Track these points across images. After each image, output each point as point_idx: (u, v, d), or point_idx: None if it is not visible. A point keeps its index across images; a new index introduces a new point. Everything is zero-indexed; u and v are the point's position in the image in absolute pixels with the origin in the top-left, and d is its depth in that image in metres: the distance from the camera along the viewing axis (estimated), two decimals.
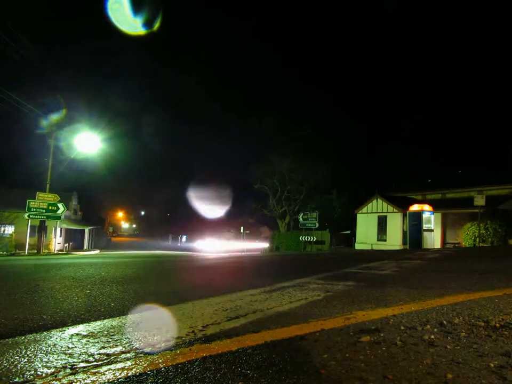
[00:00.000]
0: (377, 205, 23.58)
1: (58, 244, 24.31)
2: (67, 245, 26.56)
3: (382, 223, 23.17)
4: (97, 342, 2.04)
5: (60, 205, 19.84)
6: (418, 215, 19.90)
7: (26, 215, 18.83)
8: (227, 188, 40.47)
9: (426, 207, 20.32)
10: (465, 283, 4.28)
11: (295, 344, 1.94)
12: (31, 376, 1.55)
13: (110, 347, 1.95)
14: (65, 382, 1.50)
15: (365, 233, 24.27)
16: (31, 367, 1.66)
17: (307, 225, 26.07)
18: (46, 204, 19.32)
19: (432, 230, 20.22)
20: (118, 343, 2.01)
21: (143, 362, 1.69)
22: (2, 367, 1.66)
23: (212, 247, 38.24)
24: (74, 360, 1.76)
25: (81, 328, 2.35)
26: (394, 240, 22.10)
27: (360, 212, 24.81)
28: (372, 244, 23.21)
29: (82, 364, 1.70)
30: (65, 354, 1.85)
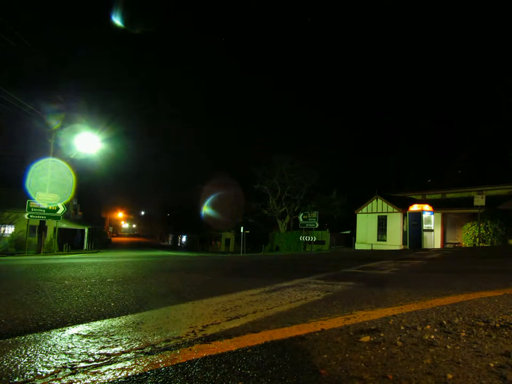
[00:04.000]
0: (377, 205, 23.59)
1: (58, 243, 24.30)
2: (67, 244, 26.53)
3: (382, 223, 23.18)
4: (97, 342, 2.04)
5: (60, 205, 19.84)
6: (418, 215, 19.91)
7: (26, 215, 18.84)
8: (227, 188, 40.46)
9: (426, 207, 20.33)
10: (465, 283, 4.28)
11: (295, 344, 1.94)
12: (31, 376, 1.55)
13: (110, 347, 1.95)
14: (65, 382, 1.50)
15: (365, 233, 24.27)
16: (31, 367, 1.66)
17: (307, 225, 26.10)
18: (46, 204, 19.32)
19: (432, 230, 20.23)
20: (118, 343, 2.01)
21: (143, 362, 1.69)
22: (2, 367, 1.66)
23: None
24: (74, 360, 1.76)
25: (81, 328, 2.35)
26: (394, 240, 22.11)
27: (360, 211, 24.82)
28: (372, 244, 23.21)
29: (82, 364, 1.70)
30: (65, 354, 1.85)
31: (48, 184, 19.55)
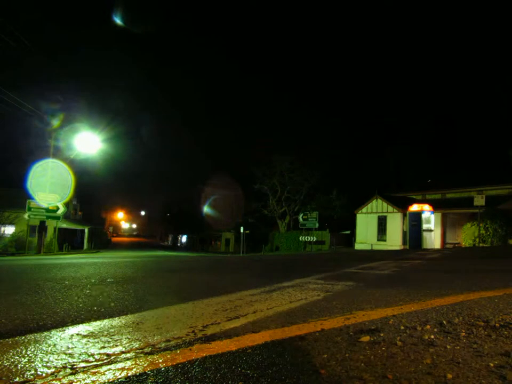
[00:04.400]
0: (377, 205, 23.58)
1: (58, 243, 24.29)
2: (67, 245, 26.52)
3: (382, 223, 23.17)
4: (97, 342, 2.04)
5: (60, 205, 19.84)
6: (418, 215, 19.91)
7: (26, 215, 18.84)
8: (227, 188, 40.45)
9: (426, 207, 20.33)
10: (465, 283, 4.28)
11: (295, 344, 1.95)
12: (31, 376, 1.56)
13: (110, 347, 1.95)
14: (65, 382, 1.50)
15: (365, 233, 24.26)
16: (31, 367, 1.66)
17: (307, 225, 26.08)
18: (46, 204, 19.31)
19: (432, 230, 20.23)
20: (118, 343, 2.01)
21: (143, 362, 1.69)
22: (2, 367, 1.66)
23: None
24: (74, 360, 1.76)
25: (81, 328, 2.35)
26: (394, 240, 22.10)
27: (360, 212, 24.81)
28: (372, 244, 23.20)
29: (82, 364, 1.70)
30: (65, 354, 1.85)
31: (48, 184, 19.55)
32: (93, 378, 1.53)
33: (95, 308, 2.97)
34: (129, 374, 1.55)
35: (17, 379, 1.52)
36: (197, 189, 45.94)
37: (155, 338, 2.10)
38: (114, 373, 1.57)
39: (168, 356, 1.78)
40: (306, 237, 26.89)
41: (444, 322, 2.35)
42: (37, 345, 1.99)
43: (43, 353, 1.85)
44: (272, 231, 35.27)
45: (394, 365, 1.62)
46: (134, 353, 1.83)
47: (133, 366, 1.65)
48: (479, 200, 17.19)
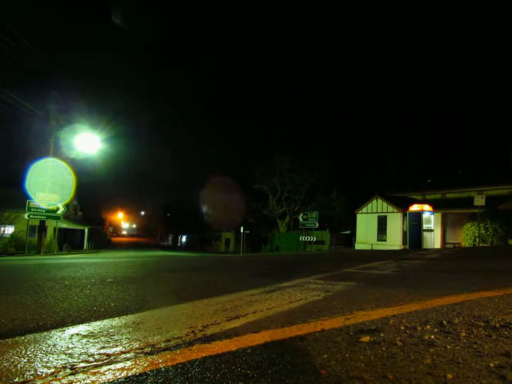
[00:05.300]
0: (377, 205, 23.58)
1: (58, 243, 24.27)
2: (67, 245, 26.52)
3: (382, 223, 23.17)
4: (97, 342, 2.04)
5: (60, 205, 19.83)
6: (418, 215, 19.91)
7: (26, 215, 18.82)
8: (227, 188, 40.45)
9: (426, 207, 20.33)
10: (465, 283, 4.28)
11: (295, 344, 1.94)
12: (31, 376, 1.55)
13: (110, 347, 1.95)
14: (65, 382, 1.50)
15: (365, 233, 24.26)
16: (31, 367, 1.66)
17: (307, 225, 26.10)
18: (45, 204, 19.30)
19: (432, 230, 20.23)
20: (118, 343, 2.01)
21: (143, 362, 1.69)
22: (2, 367, 1.66)
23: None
24: (74, 360, 1.76)
25: (81, 328, 2.35)
26: (394, 240, 22.10)
27: (360, 212, 24.81)
28: (372, 244, 23.20)
29: (82, 364, 1.70)
30: (65, 354, 1.85)
31: (48, 184, 19.53)
32: (93, 378, 1.53)
33: (95, 308, 2.97)
34: (129, 374, 1.55)
35: (17, 379, 1.52)
36: (197, 189, 45.98)
37: (155, 338, 2.10)
38: (114, 373, 1.57)
39: (168, 356, 1.77)
40: (306, 237, 26.90)
41: (444, 322, 2.35)
42: (37, 345, 1.99)
43: (43, 353, 1.85)
44: (272, 231, 35.26)
45: (395, 365, 1.62)
46: (134, 353, 1.83)
47: (133, 366, 1.64)
48: (479, 200, 17.19)
